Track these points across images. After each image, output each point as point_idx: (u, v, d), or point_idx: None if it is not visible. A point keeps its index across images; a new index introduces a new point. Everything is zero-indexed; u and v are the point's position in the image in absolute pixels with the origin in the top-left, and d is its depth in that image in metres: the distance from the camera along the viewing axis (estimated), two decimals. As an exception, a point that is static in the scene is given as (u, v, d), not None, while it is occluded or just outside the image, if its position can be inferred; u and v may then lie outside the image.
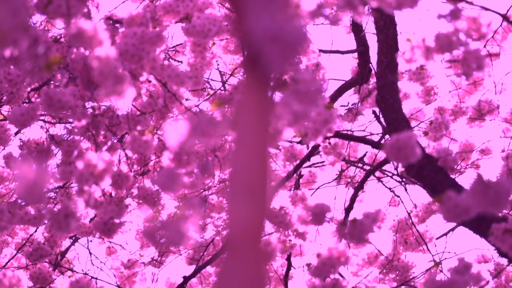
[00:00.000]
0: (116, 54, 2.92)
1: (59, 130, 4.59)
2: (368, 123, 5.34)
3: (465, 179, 5.70)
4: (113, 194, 4.42)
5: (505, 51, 5.12)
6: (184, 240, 2.03)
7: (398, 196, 5.37)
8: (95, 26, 2.84)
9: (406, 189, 4.90)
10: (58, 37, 3.40)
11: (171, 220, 2.06)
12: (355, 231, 3.62)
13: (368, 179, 4.85)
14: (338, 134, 4.68)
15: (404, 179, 4.80)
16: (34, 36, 2.51)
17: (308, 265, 3.51)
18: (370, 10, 2.01)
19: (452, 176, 4.35)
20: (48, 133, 4.30)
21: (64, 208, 3.26)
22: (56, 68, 3.43)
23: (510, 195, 2.23)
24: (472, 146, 5.28)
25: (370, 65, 4.91)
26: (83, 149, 4.10)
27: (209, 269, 5.61)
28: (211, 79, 5.27)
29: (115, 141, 4.42)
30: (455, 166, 4.56)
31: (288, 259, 5.60)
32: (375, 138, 5.08)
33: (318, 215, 3.61)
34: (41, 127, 4.50)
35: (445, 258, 4.96)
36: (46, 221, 4.07)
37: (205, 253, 5.19)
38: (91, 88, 3.42)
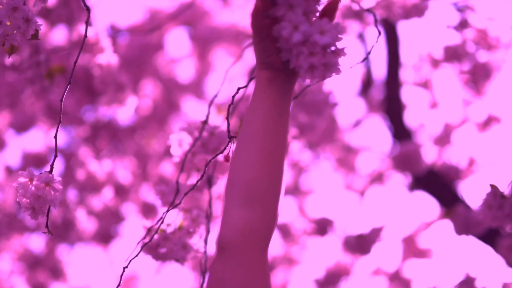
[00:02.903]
0: (119, 62, 2.87)
1: (59, 138, 4.54)
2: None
3: (472, 189, 5.63)
4: (112, 204, 4.38)
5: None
6: (188, 254, 1.97)
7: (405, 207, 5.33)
8: (97, 34, 2.79)
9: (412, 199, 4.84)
10: (60, 44, 3.35)
11: (174, 233, 2.00)
12: (360, 243, 3.58)
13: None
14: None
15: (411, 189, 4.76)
16: (36, 45, 2.46)
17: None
18: (376, 21, 1.99)
19: (459, 187, 4.35)
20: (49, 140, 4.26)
21: (65, 217, 3.21)
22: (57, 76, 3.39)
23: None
24: (478, 156, 5.24)
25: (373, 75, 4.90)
26: (83, 158, 4.06)
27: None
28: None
29: (116, 150, 4.38)
30: (461, 177, 4.54)
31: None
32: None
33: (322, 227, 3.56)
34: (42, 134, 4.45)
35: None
36: (45, 230, 4.01)
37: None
38: (92, 96, 3.39)
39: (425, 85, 5.03)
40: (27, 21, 1.66)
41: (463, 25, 3.22)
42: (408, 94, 5.10)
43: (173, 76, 4.75)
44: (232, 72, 4.97)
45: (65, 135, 4.41)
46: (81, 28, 2.85)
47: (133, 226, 4.82)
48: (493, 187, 2.18)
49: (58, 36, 3.26)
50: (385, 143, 5.24)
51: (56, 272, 4.63)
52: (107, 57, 2.81)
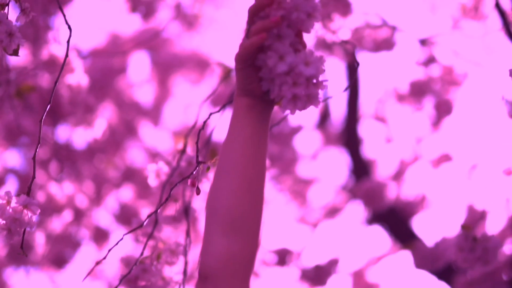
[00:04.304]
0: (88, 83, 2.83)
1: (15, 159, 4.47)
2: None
3: (425, 225, 5.66)
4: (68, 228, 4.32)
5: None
6: (168, 286, 1.95)
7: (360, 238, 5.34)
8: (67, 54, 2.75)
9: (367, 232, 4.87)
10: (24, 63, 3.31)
11: (152, 265, 1.97)
12: (316, 274, 3.58)
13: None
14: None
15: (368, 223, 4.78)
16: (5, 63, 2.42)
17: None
18: (355, 52, 2.02)
19: (413, 222, 4.39)
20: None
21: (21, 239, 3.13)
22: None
23: (498, 251, 2.17)
24: (431, 192, 5.27)
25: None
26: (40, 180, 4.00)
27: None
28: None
29: (72, 173, 4.32)
30: (416, 213, 4.58)
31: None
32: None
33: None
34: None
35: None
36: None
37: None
38: (54, 118, 3.35)
39: (383, 119, 5.07)
40: (10, 35, 1.63)
41: (430, 60, 3.26)
42: (366, 128, 5.14)
43: (133, 100, 4.72)
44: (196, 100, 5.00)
45: (20, 157, 4.34)
46: (51, 47, 2.80)
47: (86, 252, 4.75)
48: (465, 228, 2.20)
49: (22, 55, 3.21)
50: (340, 175, 5.25)
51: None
52: (77, 78, 2.77)
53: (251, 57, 1.37)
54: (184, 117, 5.06)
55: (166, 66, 4.62)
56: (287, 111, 1.37)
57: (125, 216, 4.23)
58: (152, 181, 2.15)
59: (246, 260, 1.41)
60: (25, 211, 1.63)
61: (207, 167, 1.70)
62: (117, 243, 1.84)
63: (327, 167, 5.33)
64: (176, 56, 4.63)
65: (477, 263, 2.15)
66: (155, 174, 2.15)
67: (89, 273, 1.90)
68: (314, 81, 1.35)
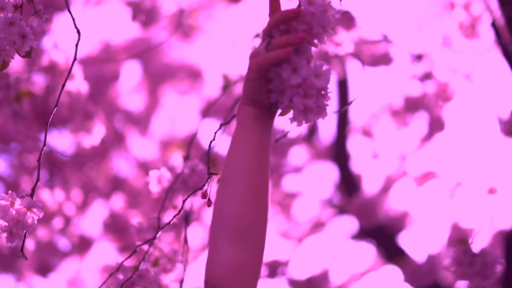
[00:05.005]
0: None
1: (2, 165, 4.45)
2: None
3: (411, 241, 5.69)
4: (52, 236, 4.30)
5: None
6: None
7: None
8: (67, 60, 2.75)
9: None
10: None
11: (149, 271, 1.96)
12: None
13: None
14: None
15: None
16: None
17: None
18: (363, 65, 2.05)
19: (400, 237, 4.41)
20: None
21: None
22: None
23: (497, 265, 2.18)
24: (415, 209, 5.30)
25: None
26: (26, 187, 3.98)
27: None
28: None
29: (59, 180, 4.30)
30: (403, 228, 4.60)
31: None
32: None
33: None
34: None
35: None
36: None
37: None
38: (45, 123, 3.32)
39: (370, 134, 5.09)
40: (23, 37, 1.61)
41: (425, 76, 3.29)
42: (353, 143, 5.16)
43: (123, 109, 4.71)
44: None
45: (5, 163, 4.32)
46: (52, 53, 2.80)
47: (71, 260, 4.73)
48: (463, 243, 2.20)
49: (18, 60, 3.20)
50: (325, 190, 5.26)
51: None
52: (77, 84, 2.77)
53: (268, 69, 1.39)
54: (174, 127, 5.07)
55: (158, 76, 4.63)
56: (295, 123, 1.39)
57: (115, 225, 4.22)
58: (154, 187, 2.15)
59: (254, 268, 1.41)
60: (28, 213, 1.61)
61: (219, 178, 1.70)
62: (131, 254, 1.84)
63: (313, 181, 5.34)
64: (168, 66, 4.63)
65: (476, 277, 2.15)
66: (156, 180, 2.15)
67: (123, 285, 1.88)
68: (323, 92, 1.37)
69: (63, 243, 4.48)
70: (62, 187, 4.22)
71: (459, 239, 2.23)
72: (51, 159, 4.11)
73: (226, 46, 5.10)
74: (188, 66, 4.78)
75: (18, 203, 1.61)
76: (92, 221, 4.61)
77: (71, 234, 4.53)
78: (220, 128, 1.77)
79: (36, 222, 1.63)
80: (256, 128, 1.43)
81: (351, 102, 2.03)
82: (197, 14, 4.54)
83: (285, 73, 1.36)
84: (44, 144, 1.77)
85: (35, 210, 1.62)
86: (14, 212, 1.61)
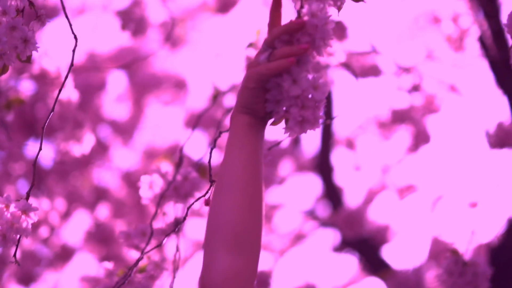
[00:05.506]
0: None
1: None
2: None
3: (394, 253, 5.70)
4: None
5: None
6: None
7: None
8: (58, 68, 2.74)
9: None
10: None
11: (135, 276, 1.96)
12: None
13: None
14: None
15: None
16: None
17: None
18: (356, 76, 2.06)
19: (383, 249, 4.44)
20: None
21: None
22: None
23: (488, 275, 2.20)
24: (396, 222, 5.32)
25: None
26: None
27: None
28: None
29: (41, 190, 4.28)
30: (386, 241, 4.62)
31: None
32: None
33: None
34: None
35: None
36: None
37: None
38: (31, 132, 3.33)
39: (352, 146, 5.11)
40: (25, 42, 1.60)
41: (413, 88, 3.31)
42: (337, 155, 5.17)
43: (107, 119, 4.71)
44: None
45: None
46: (43, 62, 2.78)
47: (53, 270, 4.70)
48: (454, 253, 2.22)
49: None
50: (307, 201, 5.27)
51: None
52: (67, 93, 2.76)
53: (267, 77, 1.40)
54: (158, 138, 5.06)
55: (143, 86, 4.62)
56: (288, 133, 1.40)
57: (99, 235, 4.21)
58: (145, 193, 2.14)
59: (250, 275, 1.41)
60: (23, 217, 1.59)
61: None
62: (136, 262, 1.83)
63: (295, 193, 5.35)
64: (154, 76, 4.63)
65: (466, 287, 2.16)
66: (148, 186, 2.15)
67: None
68: (318, 104, 1.39)
69: (45, 252, 4.46)
70: (46, 196, 4.20)
71: (448, 250, 2.25)
72: (34, 168, 4.08)
73: (212, 57, 5.11)
74: (174, 76, 4.79)
75: (13, 206, 1.59)
76: (74, 231, 4.59)
77: (54, 244, 4.51)
78: (219, 135, 1.78)
79: (30, 226, 1.61)
80: (251, 137, 1.44)
81: (335, 117, 2.04)
82: (184, 24, 4.55)
83: (286, 84, 1.37)
84: (40, 149, 1.77)
85: (30, 214, 1.60)
86: (9, 215, 1.59)
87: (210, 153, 1.75)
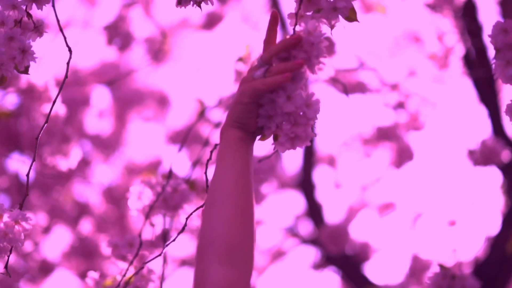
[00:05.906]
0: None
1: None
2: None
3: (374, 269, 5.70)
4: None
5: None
6: None
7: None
8: (46, 83, 2.74)
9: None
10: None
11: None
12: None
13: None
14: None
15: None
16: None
17: None
18: (346, 90, 2.09)
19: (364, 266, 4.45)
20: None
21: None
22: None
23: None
24: (376, 239, 5.33)
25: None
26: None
27: None
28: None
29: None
30: (367, 257, 4.63)
31: None
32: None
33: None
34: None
35: None
36: None
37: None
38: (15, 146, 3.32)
39: (334, 164, 5.12)
40: (23, 52, 1.60)
41: (398, 105, 3.33)
42: (319, 172, 5.19)
43: (89, 134, 4.70)
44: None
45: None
46: (30, 76, 2.77)
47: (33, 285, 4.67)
48: (442, 267, 2.23)
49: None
50: (286, 219, 5.27)
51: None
52: (55, 107, 2.74)
53: (262, 93, 1.42)
54: (141, 153, 5.06)
55: (126, 101, 4.62)
56: (278, 148, 1.42)
57: (82, 249, 4.19)
58: (133, 204, 2.14)
59: (244, 287, 1.42)
60: (16, 227, 1.59)
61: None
62: (139, 269, 1.83)
63: (275, 210, 5.35)
64: (137, 92, 4.63)
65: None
66: (137, 196, 2.14)
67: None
68: (311, 122, 1.41)
69: (25, 267, 4.44)
70: (29, 211, 4.19)
71: (428, 267, 2.26)
72: (19, 183, 4.07)
73: (196, 73, 5.12)
74: (157, 92, 4.79)
75: (6, 216, 1.59)
76: (55, 246, 4.57)
77: (34, 259, 4.49)
78: (215, 148, 1.78)
79: (23, 237, 1.61)
80: (242, 151, 1.46)
81: (317, 134, 2.06)
82: (168, 40, 4.56)
83: (280, 100, 1.39)
84: (34, 159, 1.76)
85: (23, 223, 1.60)
86: (2, 225, 1.59)
87: (207, 164, 1.76)
